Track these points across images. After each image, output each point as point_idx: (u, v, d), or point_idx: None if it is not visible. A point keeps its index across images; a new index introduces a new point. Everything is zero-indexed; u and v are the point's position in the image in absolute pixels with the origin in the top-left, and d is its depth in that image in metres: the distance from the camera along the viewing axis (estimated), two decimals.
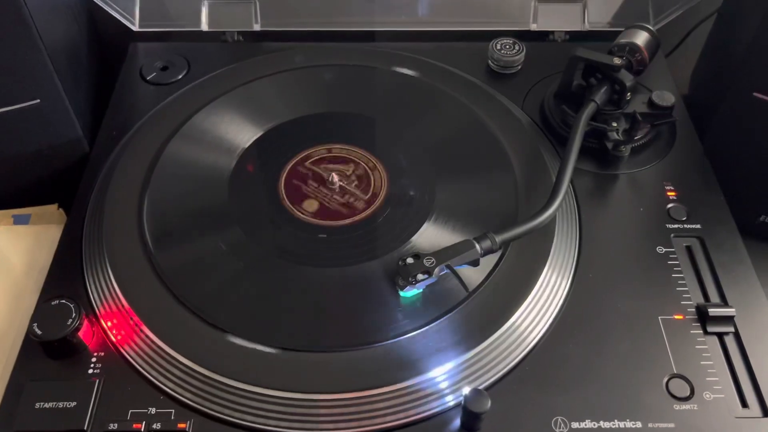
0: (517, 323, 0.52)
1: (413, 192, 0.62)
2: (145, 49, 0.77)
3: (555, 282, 0.55)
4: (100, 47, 0.78)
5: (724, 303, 0.55)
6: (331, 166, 0.64)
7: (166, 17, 0.77)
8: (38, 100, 0.62)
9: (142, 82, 0.73)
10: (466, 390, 0.47)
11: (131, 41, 0.77)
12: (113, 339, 0.52)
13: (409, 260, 0.53)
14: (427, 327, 0.52)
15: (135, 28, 0.77)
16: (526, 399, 0.50)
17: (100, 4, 0.74)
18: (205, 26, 0.78)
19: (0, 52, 0.58)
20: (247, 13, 0.78)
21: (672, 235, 0.59)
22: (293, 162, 0.64)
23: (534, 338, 0.52)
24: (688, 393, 0.50)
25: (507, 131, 0.65)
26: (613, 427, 0.48)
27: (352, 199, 0.60)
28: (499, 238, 0.53)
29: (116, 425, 0.48)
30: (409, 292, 0.53)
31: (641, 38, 0.68)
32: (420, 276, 0.52)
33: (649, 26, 0.69)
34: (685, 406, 0.49)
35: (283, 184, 0.62)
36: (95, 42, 0.77)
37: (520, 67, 0.73)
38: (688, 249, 0.59)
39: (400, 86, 0.71)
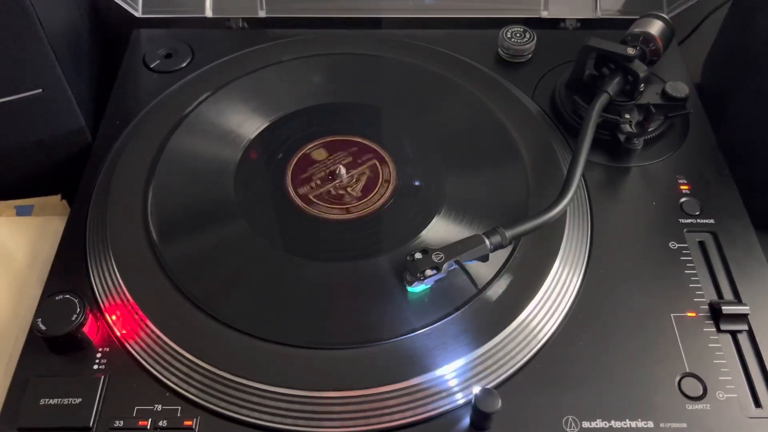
0: (527, 320, 0.52)
1: (419, 183, 0.61)
2: (148, 36, 0.75)
3: (566, 278, 0.54)
4: (102, 34, 0.77)
5: (738, 300, 0.54)
6: (347, 159, 0.63)
7: (169, 3, 0.76)
8: (40, 90, 0.61)
9: (145, 70, 0.72)
10: (477, 389, 0.46)
11: (134, 28, 0.76)
12: (118, 334, 0.52)
13: (418, 255, 0.52)
14: (435, 324, 0.51)
15: (138, 14, 0.76)
16: (537, 398, 0.49)
17: None
18: (209, 13, 0.77)
19: (1, 41, 0.57)
20: (252, 0, 0.76)
21: (685, 230, 0.58)
22: (305, 149, 0.63)
23: (544, 336, 0.52)
24: (700, 392, 0.49)
25: (517, 122, 0.64)
26: (625, 426, 0.48)
27: (348, 198, 0.59)
28: (509, 233, 0.52)
29: (122, 422, 0.47)
30: (417, 288, 0.52)
31: (655, 27, 0.66)
32: (428, 271, 0.51)
33: (663, 15, 0.67)
34: (698, 406, 0.49)
35: (290, 173, 0.61)
36: (97, 29, 0.76)
37: (530, 55, 0.72)
38: (701, 244, 0.58)
39: (405, 75, 0.70)
